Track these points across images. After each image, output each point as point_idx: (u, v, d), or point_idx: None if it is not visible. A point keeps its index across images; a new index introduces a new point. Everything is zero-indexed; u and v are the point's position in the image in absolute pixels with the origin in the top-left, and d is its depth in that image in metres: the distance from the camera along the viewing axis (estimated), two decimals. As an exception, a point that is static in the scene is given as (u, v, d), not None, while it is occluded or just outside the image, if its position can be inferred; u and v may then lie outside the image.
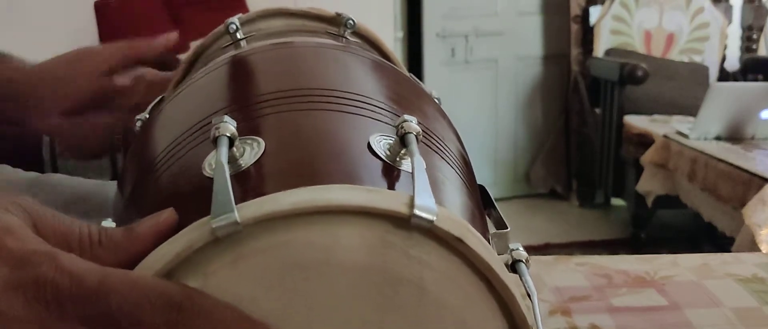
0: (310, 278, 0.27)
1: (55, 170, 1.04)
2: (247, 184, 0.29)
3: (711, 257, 0.67)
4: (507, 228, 0.38)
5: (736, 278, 0.61)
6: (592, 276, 0.62)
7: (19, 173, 0.65)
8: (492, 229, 0.39)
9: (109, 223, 0.30)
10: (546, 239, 2.73)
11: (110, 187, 0.64)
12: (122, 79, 0.58)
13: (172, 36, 0.60)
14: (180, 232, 0.27)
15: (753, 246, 1.69)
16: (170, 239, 0.27)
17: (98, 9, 2.23)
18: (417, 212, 0.27)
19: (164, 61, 0.62)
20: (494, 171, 3.24)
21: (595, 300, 0.57)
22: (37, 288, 0.25)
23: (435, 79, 3.06)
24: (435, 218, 0.27)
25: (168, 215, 0.29)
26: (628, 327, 0.53)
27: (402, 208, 0.27)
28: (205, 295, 0.26)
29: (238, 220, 0.26)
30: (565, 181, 3.30)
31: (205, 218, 0.26)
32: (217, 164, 0.27)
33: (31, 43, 0.58)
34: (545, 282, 0.61)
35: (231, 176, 0.28)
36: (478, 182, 0.43)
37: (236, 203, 0.26)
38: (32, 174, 0.66)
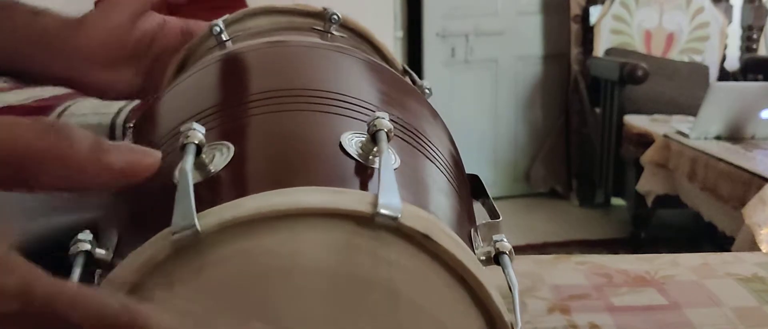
0: (276, 284, 0.26)
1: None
2: (216, 189, 0.28)
3: (711, 256, 0.67)
4: (499, 218, 0.37)
5: (737, 277, 0.61)
6: (592, 275, 0.62)
7: None
8: (486, 218, 0.38)
9: (86, 235, 0.29)
10: (546, 238, 2.73)
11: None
12: (148, 23, 0.58)
13: None
14: (143, 244, 0.26)
15: (753, 246, 1.69)
16: (134, 252, 0.26)
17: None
18: (380, 210, 0.26)
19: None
20: (494, 171, 3.25)
21: (595, 299, 0.57)
22: None
23: (435, 79, 3.06)
24: (399, 215, 0.26)
25: (153, 161, 0.28)
26: (627, 327, 0.53)
27: (365, 207, 0.26)
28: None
29: (199, 229, 0.25)
30: (565, 180, 3.31)
31: (167, 230, 0.26)
32: (181, 172, 0.27)
33: (31, 41, 0.59)
34: (544, 281, 0.61)
35: (200, 182, 0.28)
36: (477, 180, 0.43)
37: (204, 209, 0.26)
38: None
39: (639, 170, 2.42)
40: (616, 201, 3.04)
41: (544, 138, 3.32)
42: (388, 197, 0.26)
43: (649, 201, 2.40)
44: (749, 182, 1.79)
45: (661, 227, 2.74)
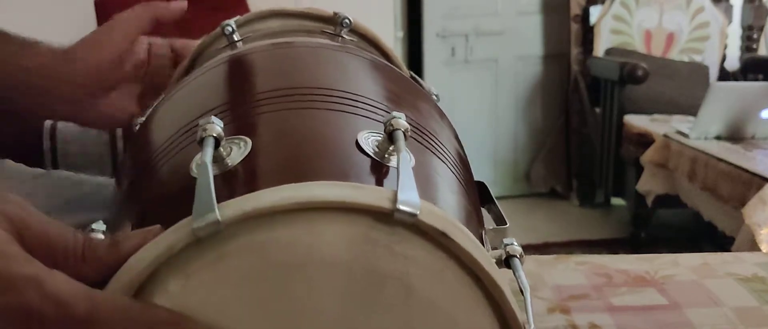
0: (293, 276, 0.27)
1: (55, 164, 1.05)
2: (233, 183, 0.29)
3: (711, 256, 0.67)
4: (506, 224, 0.38)
5: (737, 277, 0.61)
6: (592, 275, 0.62)
7: (23, 169, 0.65)
8: (492, 225, 0.39)
9: (99, 225, 0.30)
10: (546, 238, 2.73)
11: (111, 185, 0.64)
12: (137, 47, 0.58)
13: (184, 4, 0.59)
14: (162, 234, 0.26)
15: (753, 246, 1.69)
16: (152, 241, 0.26)
17: (99, 7, 2.23)
18: (400, 206, 0.26)
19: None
20: (494, 171, 3.24)
21: (595, 299, 0.58)
22: (21, 315, 0.25)
23: (435, 79, 3.06)
24: (418, 212, 0.27)
25: (156, 232, 0.28)
26: (627, 327, 0.53)
27: (384, 203, 0.27)
28: (192, 321, 0.26)
29: (219, 219, 0.25)
30: (565, 180, 3.30)
31: (186, 219, 0.26)
32: (200, 164, 0.27)
33: (31, 41, 0.58)
34: (545, 281, 0.61)
35: (217, 175, 0.28)
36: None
37: (221, 202, 0.26)
38: (37, 170, 0.66)
39: (639, 170, 2.42)
40: (616, 201, 3.04)
41: (544, 138, 3.32)
42: (408, 194, 0.27)
43: (649, 201, 2.40)
44: (749, 182, 1.79)
45: (661, 227, 2.73)
